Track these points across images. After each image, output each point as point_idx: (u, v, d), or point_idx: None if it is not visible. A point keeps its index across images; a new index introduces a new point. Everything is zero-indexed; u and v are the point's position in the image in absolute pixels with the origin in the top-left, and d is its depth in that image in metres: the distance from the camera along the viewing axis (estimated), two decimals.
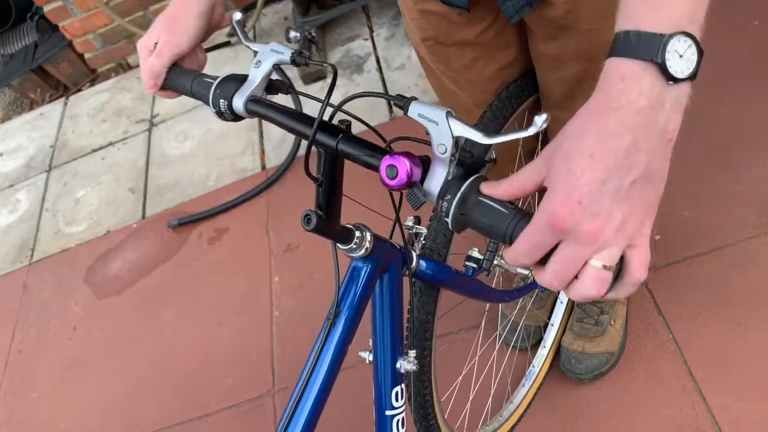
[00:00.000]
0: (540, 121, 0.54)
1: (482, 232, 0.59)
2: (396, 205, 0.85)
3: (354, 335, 0.82)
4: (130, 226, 2.45)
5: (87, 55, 3.12)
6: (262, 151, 2.46)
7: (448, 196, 0.60)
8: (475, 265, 1.17)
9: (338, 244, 0.80)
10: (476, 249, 1.20)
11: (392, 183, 0.63)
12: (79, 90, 3.19)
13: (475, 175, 0.61)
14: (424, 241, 1.06)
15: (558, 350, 1.58)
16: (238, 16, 0.83)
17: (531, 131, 0.55)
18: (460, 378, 1.43)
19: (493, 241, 1.19)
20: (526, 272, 1.43)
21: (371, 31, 2.65)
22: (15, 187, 2.83)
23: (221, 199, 2.35)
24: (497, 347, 1.57)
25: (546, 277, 0.54)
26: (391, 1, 2.65)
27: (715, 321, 1.52)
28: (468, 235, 1.16)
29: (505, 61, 1.12)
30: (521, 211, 0.57)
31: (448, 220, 0.60)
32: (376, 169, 0.67)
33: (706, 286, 1.57)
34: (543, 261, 0.55)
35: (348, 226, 0.79)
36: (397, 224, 0.90)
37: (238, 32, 0.82)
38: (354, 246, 0.79)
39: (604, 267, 0.52)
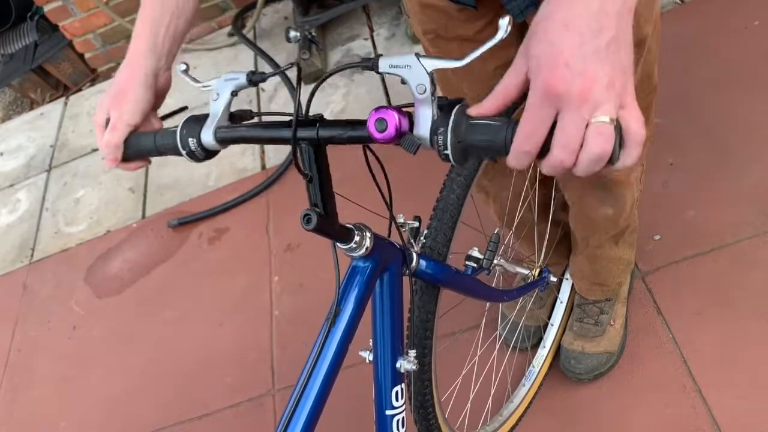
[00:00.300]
0: (504, 24, 0.58)
1: (483, 153, 0.62)
2: (389, 204, 0.86)
3: (354, 335, 0.82)
4: (130, 225, 2.45)
5: (87, 55, 3.13)
6: (262, 151, 2.46)
7: (441, 129, 0.62)
8: (475, 265, 1.17)
9: (338, 244, 0.80)
10: (476, 248, 1.20)
11: (382, 136, 0.65)
12: (80, 90, 3.20)
13: (459, 104, 0.63)
14: (424, 240, 1.06)
15: (558, 350, 1.59)
16: (182, 67, 0.84)
17: (499, 36, 0.59)
18: (460, 378, 1.43)
19: (494, 241, 1.19)
20: (525, 272, 1.43)
21: (371, 30, 2.65)
22: (15, 187, 2.83)
23: (221, 198, 2.35)
24: (497, 347, 1.57)
25: (554, 155, 0.57)
26: (392, 1, 2.65)
27: (715, 320, 1.52)
28: (468, 235, 1.17)
29: (504, 59, 1.12)
30: (513, 119, 0.60)
31: (449, 153, 0.62)
32: (363, 140, 0.69)
33: (706, 285, 1.57)
34: (542, 155, 0.58)
35: (348, 225, 0.80)
36: (394, 224, 0.90)
37: (188, 80, 0.83)
38: (354, 245, 0.80)
39: (604, 123, 0.55)
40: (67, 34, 2.99)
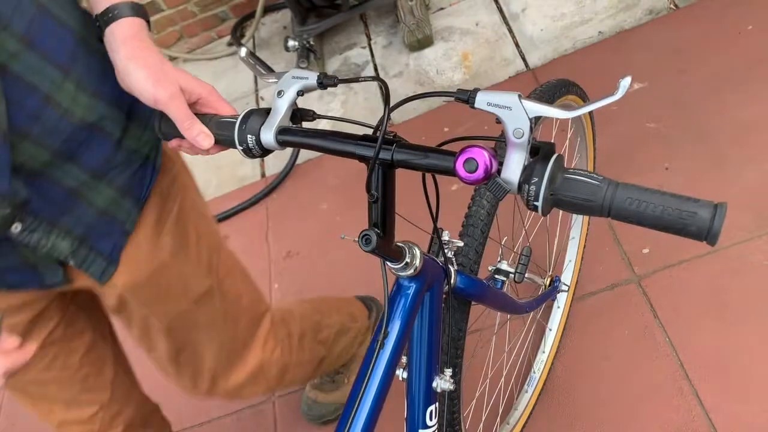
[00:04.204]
0: (626, 83, 0.56)
1: (577, 209, 0.59)
2: (435, 220, 0.83)
3: (401, 356, 0.80)
4: None
5: None
6: (262, 159, 2.48)
7: (535, 179, 0.59)
8: (504, 278, 1.16)
9: (388, 263, 0.77)
10: (505, 262, 1.18)
11: (472, 177, 0.62)
12: None
13: (556, 155, 0.60)
14: (455, 256, 1.03)
15: (556, 354, 1.60)
16: (243, 52, 0.81)
17: (618, 95, 0.56)
18: (477, 394, 1.44)
19: (525, 254, 1.17)
20: (539, 281, 1.44)
21: (369, 39, 2.67)
22: None
23: (221, 206, 2.36)
24: (506, 358, 1.56)
25: None
26: (389, 10, 2.67)
27: (711, 324, 1.53)
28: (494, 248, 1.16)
29: (83, 347, 1.09)
30: (613, 181, 0.58)
31: (538, 204, 0.59)
32: (443, 170, 0.65)
33: (702, 289, 1.58)
34: None
35: (399, 244, 0.76)
36: (438, 242, 0.89)
37: (251, 69, 0.80)
38: (405, 265, 0.77)
39: None
40: None
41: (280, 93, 0.74)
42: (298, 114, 0.77)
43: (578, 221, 1.61)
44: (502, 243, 1.25)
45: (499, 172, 0.62)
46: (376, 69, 2.52)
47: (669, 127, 1.88)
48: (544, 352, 1.60)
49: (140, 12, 0.81)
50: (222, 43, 3.04)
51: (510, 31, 2.38)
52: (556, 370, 1.60)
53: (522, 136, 0.60)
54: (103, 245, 0.91)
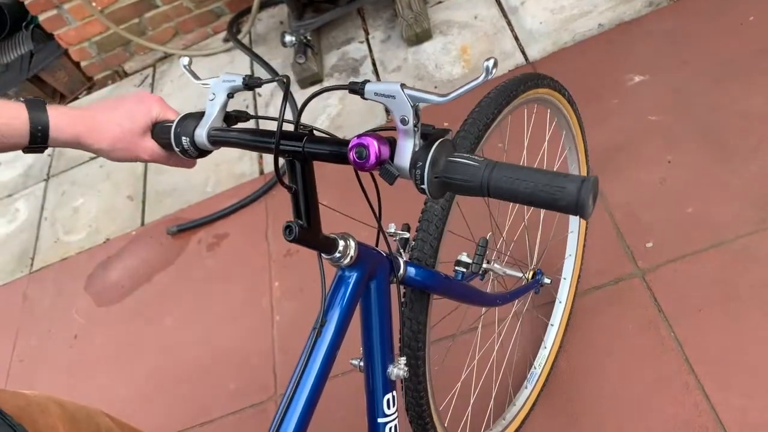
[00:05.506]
0: (489, 65, 0.59)
1: (460, 190, 0.62)
2: (376, 213, 0.86)
3: (341, 343, 0.83)
4: (130, 233, 2.45)
5: (83, 63, 3.12)
6: (260, 156, 2.46)
7: (420, 164, 0.62)
8: (464, 270, 1.16)
9: (323, 255, 0.81)
10: (465, 253, 1.19)
11: (362, 163, 0.66)
12: (76, 98, 3.19)
13: (441, 139, 0.63)
14: (412, 248, 1.06)
15: (559, 350, 1.58)
16: (186, 60, 0.85)
17: (482, 78, 0.60)
18: (459, 384, 1.42)
19: (482, 245, 1.19)
20: (518, 275, 1.43)
21: (367, 33, 2.65)
22: (14, 197, 2.83)
23: (220, 204, 2.34)
24: (496, 349, 1.56)
25: None
26: (386, 4, 2.65)
27: (716, 317, 1.51)
28: (457, 241, 1.16)
29: None
30: (492, 161, 0.60)
31: (425, 187, 0.63)
32: (341, 159, 0.69)
33: (707, 282, 1.57)
34: None
35: (331, 235, 0.80)
36: (380, 232, 0.91)
37: (188, 74, 0.85)
38: (338, 255, 0.81)
39: None
40: (63, 43, 2.99)
41: (212, 96, 0.80)
42: (232, 116, 0.83)
43: None
44: (488, 236, 1.24)
45: (393, 158, 0.65)
46: (374, 64, 2.50)
47: (671, 120, 1.87)
48: (545, 347, 1.59)
49: (42, 103, 0.82)
50: (218, 39, 3.02)
51: (509, 24, 2.37)
52: (559, 365, 1.58)
53: (407, 123, 0.63)
54: None
